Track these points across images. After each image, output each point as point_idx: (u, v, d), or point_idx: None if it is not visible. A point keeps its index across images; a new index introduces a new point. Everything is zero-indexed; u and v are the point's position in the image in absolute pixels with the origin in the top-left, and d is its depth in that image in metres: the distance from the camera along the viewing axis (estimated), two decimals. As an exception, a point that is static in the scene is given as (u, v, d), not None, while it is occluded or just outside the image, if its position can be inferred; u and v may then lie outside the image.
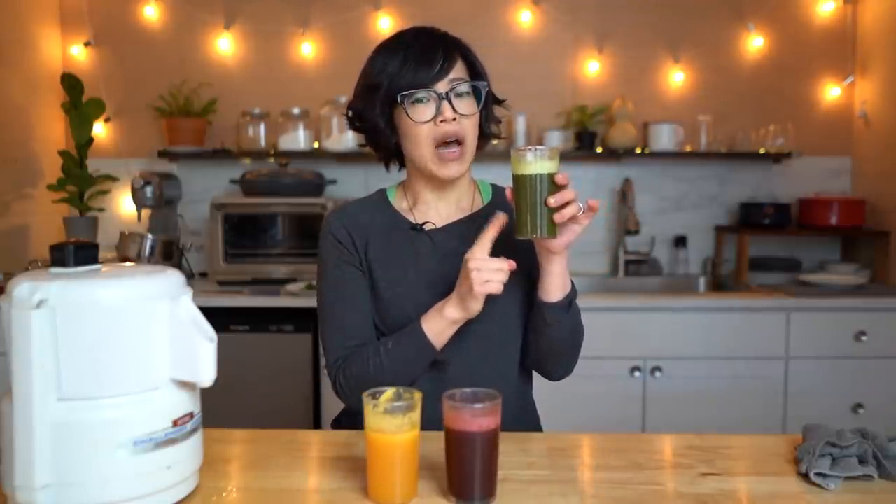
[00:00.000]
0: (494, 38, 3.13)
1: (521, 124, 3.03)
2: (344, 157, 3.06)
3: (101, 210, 3.00)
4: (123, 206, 3.17)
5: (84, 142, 2.89)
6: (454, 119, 1.23)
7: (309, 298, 2.52)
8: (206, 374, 0.92)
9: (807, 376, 2.57)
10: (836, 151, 3.18)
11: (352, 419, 1.34)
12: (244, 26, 3.17)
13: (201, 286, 2.77)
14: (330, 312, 1.30)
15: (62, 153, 2.90)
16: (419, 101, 1.23)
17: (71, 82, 2.85)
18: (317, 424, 2.58)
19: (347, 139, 2.98)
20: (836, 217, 2.94)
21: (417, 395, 0.96)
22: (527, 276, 1.26)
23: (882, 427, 1.10)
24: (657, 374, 2.56)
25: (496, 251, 1.16)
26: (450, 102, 1.23)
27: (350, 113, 1.34)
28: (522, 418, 1.38)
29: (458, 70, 1.26)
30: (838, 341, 2.57)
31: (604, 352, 2.54)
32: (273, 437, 1.20)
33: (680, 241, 3.15)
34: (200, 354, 0.91)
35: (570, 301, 1.25)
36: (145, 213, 2.91)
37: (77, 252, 0.92)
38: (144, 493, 0.89)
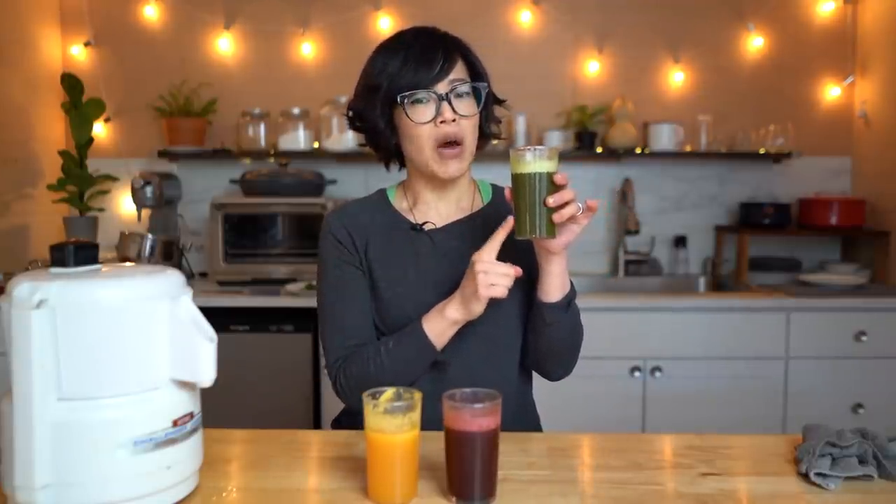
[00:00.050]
0: (494, 38, 3.13)
1: (521, 124, 3.03)
2: (344, 157, 3.06)
3: (101, 210, 3.00)
4: (123, 206, 3.17)
5: (84, 142, 2.89)
6: (454, 120, 1.23)
7: (309, 298, 2.52)
8: (206, 374, 0.92)
9: (807, 376, 2.57)
10: (836, 151, 3.18)
11: (352, 419, 1.34)
12: (244, 26, 3.17)
13: (201, 286, 2.77)
14: (330, 312, 1.30)
15: (62, 153, 2.90)
16: (419, 101, 1.23)
17: (71, 82, 2.85)
18: (317, 424, 2.58)
19: (347, 139, 2.98)
20: (836, 217, 2.94)
21: (417, 395, 0.96)
22: (527, 276, 1.26)
23: (882, 427, 1.10)
24: (657, 374, 2.56)
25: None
26: (449, 103, 1.23)
27: (350, 113, 1.34)
28: (522, 418, 1.38)
29: (459, 70, 1.26)
30: (838, 341, 2.57)
31: (604, 352, 2.54)
32: (273, 437, 1.20)
33: (680, 241, 3.15)
34: (200, 354, 0.91)
35: (569, 301, 1.25)
36: (145, 213, 2.91)
37: (77, 252, 0.92)
38: (144, 493, 0.89)
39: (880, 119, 2.99)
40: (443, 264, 1.29)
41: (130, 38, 3.17)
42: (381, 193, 1.39)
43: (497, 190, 1.40)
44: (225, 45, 3.16)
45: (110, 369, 0.88)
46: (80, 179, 2.90)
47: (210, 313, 0.98)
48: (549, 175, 1.11)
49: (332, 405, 2.10)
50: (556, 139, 3.04)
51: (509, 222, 1.15)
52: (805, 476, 1.02)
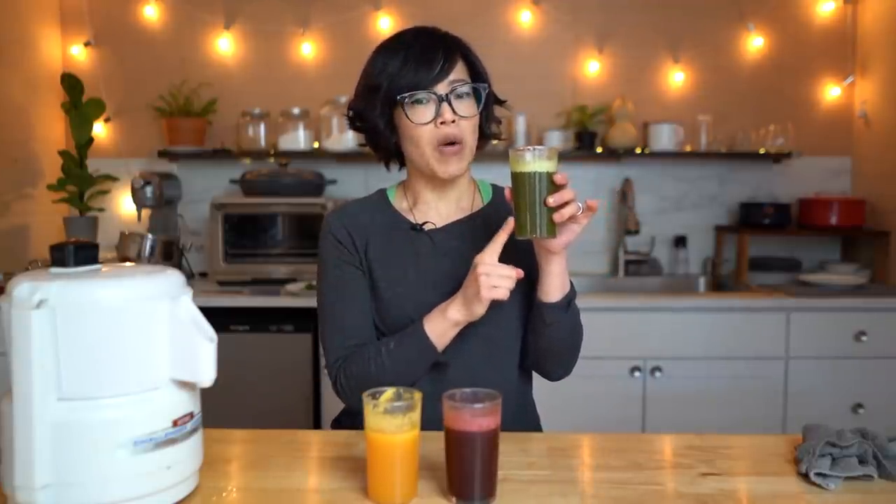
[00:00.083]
0: (494, 38, 3.13)
1: (521, 124, 3.03)
2: (344, 157, 3.06)
3: (101, 210, 3.00)
4: (123, 206, 3.17)
5: (84, 142, 2.89)
6: (453, 121, 1.23)
7: (309, 298, 2.52)
8: (206, 374, 0.92)
9: (807, 376, 2.57)
10: (836, 151, 3.18)
11: (352, 419, 1.34)
12: (244, 26, 3.17)
13: (201, 286, 2.77)
14: (330, 312, 1.30)
15: (62, 153, 2.90)
16: (419, 102, 1.23)
17: (71, 82, 2.85)
18: (317, 424, 2.58)
19: (347, 139, 2.98)
20: (836, 217, 2.94)
21: (417, 396, 0.96)
22: (527, 276, 1.26)
23: (882, 427, 1.10)
24: (657, 374, 2.56)
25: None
26: (449, 104, 1.23)
27: (350, 113, 1.34)
28: (522, 418, 1.38)
29: (459, 71, 1.25)
30: (838, 341, 2.57)
31: (604, 352, 2.54)
32: (273, 437, 1.20)
33: (680, 241, 3.15)
34: (200, 354, 0.91)
35: (569, 301, 1.25)
36: (145, 213, 2.91)
37: (77, 252, 0.92)
38: (144, 493, 0.89)
39: (880, 119, 2.99)
40: (443, 264, 1.29)
41: (130, 38, 3.17)
42: (381, 193, 1.39)
43: (497, 190, 1.40)
44: (225, 45, 3.16)
45: (110, 369, 0.88)
46: (80, 179, 2.90)
47: (210, 313, 0.98)
48: (549, 175, 1.11)
49: (332, 405, 2.10)
50: (556, 139, 3.04)
51: (510, 224, 1.15)
52: (805, 476, 1.02)
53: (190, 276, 2.96)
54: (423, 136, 1.24)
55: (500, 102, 1.37)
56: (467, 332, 1.23)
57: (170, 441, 0.91)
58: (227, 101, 3.13)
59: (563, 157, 2.49)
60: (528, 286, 1.27)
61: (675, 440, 1.20)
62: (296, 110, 3.03)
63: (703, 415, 2.55)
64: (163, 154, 3.07)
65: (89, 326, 0.86)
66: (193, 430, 0.95)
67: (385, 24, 3.12)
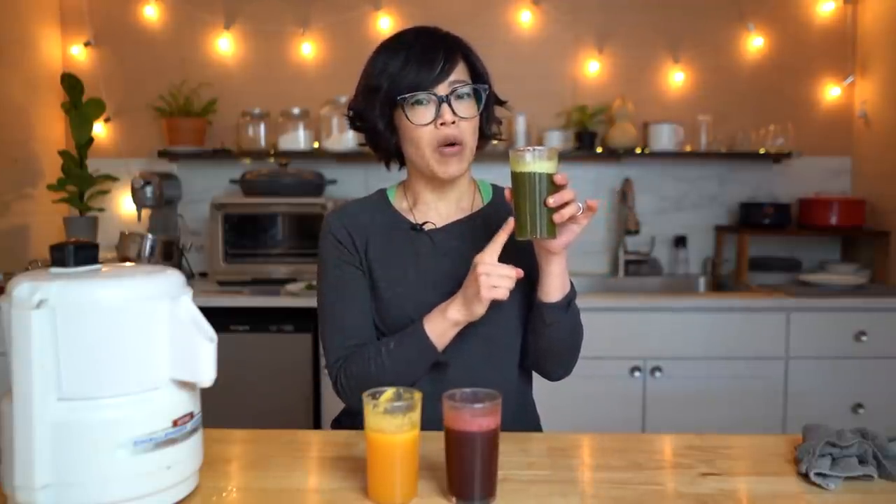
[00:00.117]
0: (494, 38, 3.13)
1: (521, 124, 3.03)
2: (344, 157, 3.06)
3: (101, 210, 3.00)
4: (123, 206, 3.17)
5: (84, 142, 2.89)
6: (453, 122, 1.23)
7: (309, 298, 2.52)
8: (206, 374, 0.92)
9: (807, 376, 2.57)
10: (836, 151, 3.18)
11: (352, 419, 1.34)
12: (244, 26, 3.17)
13: (201, 286, 2.77)
14: (330, 312, 1.30)
15: (62, 153, 2.90)
16: (419, 103, 1.23)
17: (71, 82, 2.85)
18: (317, 424, 2.58)
19: (347, 139, 2.98)
20: (836, 217, 2.94)
21: (417, 395, 0.96)
22: (527, 276, 1.26)
23: (882, 427, 1.10)
24: (657, 374, 2.56)
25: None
26: (450, 105, 1.22)
27: (350, 113, 1.34)
28: (522, 418, 1.38)
29: (460, 72, 1.25)
30: (838, 341, 2.57)
31: (604, 352, 2.54)
32: (273, 437, 1.20)
33: (680, 241, 3.15)
34: (200, 354, 0.91)
35: (569, 301, 1.25)
36: (145, 213, 2.91)
37: (77, 252, 0.92)
38: (144, 493, 0.89)
39: (880, 119, 2.99)
40: (443, 264, 1.29)
41: (130, 38, 3.17)
42: (381, 193, 1.39)
43: (497, 190, 1.40)
44: (225, 45, 3.16)
45: (110, 369, 0.88)
46: (80, 179, 2.90)
47: (210, 313, 0.98)
48: (549, 175, 1.11)
49: (332, 405, 2.10)
50: (556, 139, 3.04)
51: (510, 224, 1.15)
52: (805, 476, 1.02)
53: (190, 276, 2.96)
54: (423, 137, 1.23)
55: (501, 103, 1.37)
56: (467, 332, 1.23)
57: (170, 441, 0.91)
58: (227, 101, 3.13)
59: (563, 157, 2.48)
60: (529, 286, 1.27)
61: (675, 440, 1.20)
62: (296, 110, 3.03)
63: (703, 415, 2.55)
64: (163, 154, 3.07)
65: (89, 326, 0.86)
66: (193, 430, 0.95)
67: (385, 24, 3.12)
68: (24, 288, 0.86)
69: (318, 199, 2.84)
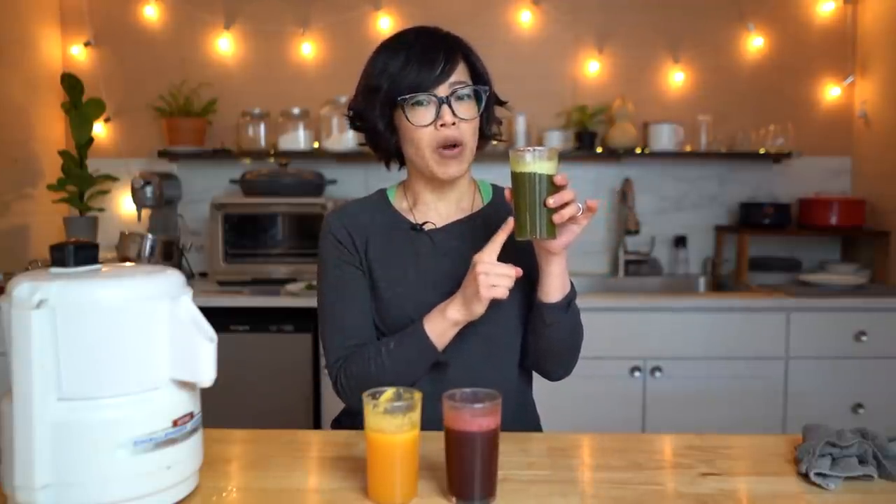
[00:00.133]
0: (494, 38, 3.13)
1: (521, 124, 3.03)
2: (344, 157, 3.06)
3: (101, 210, 3.00)
4: (123, 206, 3.17)
5: (84, 142, 2.89)
6: (454, 123, 1.22)
7: (309, 298, 2.52)
8: (206, 374, 0.92)
9: (807, 376, 2.57)
10: (836, 151, 3.18)
11: (352, 419, 1.34)
12: (244, 26, 3.17)
13: (201, 286, 2.77)
14: (330, 312, 1.30)
15: (62, 153, 2.90)
16: (419, 104, 1.23)
17: (71, 82, 2.85)
18: (317, 424, 2.58)
19: (347, 139, 2.98)
20: (836, 217, 2.94)
21: (417, 395, 0.96)
22: (527, 277, 1.26)
23: (882, 427, 1.10)
24: (657, 374, 2.56)
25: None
26: (450, 106, 1.22)
27: (350, 112, 1.34)
28: (522, 418, 1.38)
29: (460, 72, 1.25)
30: (838, 341, 2.57)
31: (604, 352, 2.54)
32: (273, 437, 1.20)
33: (680, 241, 3.15)
34: (200, 354, 0.91)
35: (569, 301, 1.25)
36: (145, 213, 2.91)
37: (77, 252, 0.92)
38: (144, 493, 0.89)
39: (880, 119, 2.99)
40: (443, 264, 1.29)
41: (130, 38, 3.17)
42: (381, 193, 1.39)
43: (497, 190, 1.40)
44: (225, 45, 3.16)
45: (110, 369, 0.88)
46: (80, 179, 2.90)
47: (210, 313, 0.98)
48: (549, 176, 1.11)
49: (332, 405, 2.10)
50: (556, 139, 3.04)
51: (510, 223, 1.15)
52: (805, 476, 1.02)
53: (190, 276, 2.96)
54: (423, 138, 1.23)
55: (501, 103, 1.37)
56: (467, 332, 1.23)
57: (170, 441, 0.91)
58: (227, 101, 3.13)
59: (563, 157, 2.48)
60: (529, 286, 1.27)
61: (675, 440, 1.20)
62: (296, 110, 3.03)
63: (703, 415, 2.55)
64: (163, 154, 3.07)
65: (89, 326, 0.86)
66: (193, 430, 0.95)
67: (385, 24, 3.12)
68: (24, 288, 0.86)
69: (318, 199, 2.84)
